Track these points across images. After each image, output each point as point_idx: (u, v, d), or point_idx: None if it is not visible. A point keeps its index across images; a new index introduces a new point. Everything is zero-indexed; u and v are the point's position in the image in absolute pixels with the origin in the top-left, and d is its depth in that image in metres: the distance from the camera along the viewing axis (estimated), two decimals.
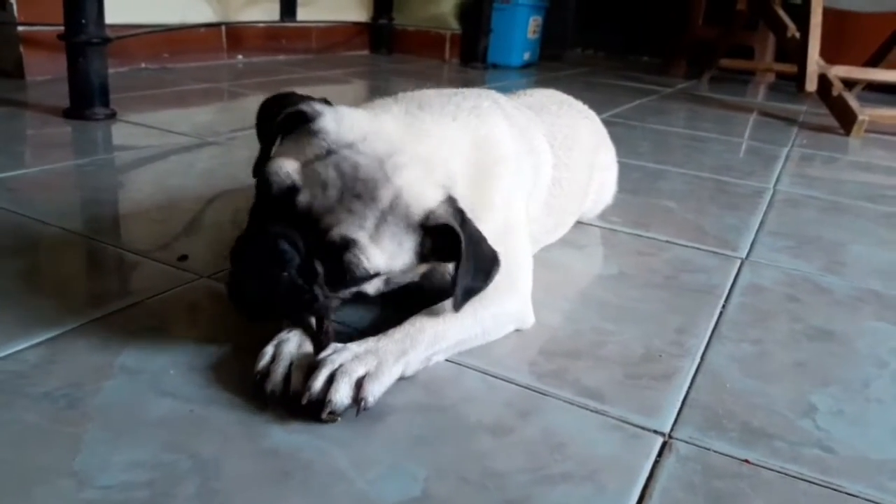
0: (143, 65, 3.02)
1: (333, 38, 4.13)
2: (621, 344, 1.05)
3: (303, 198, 0.84)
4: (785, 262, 1.45)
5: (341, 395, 0.81)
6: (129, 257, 1.21)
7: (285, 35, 3.75)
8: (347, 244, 0.83)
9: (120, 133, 2.05)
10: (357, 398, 0.82)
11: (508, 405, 0.88)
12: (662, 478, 0.77)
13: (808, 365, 1.05)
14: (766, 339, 1.12)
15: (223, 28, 3.37)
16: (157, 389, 0.84)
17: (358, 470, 0.73)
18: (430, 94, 1.12)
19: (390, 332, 0.91)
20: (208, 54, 3.33)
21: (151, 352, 0.91)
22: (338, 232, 0.83)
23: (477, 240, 0.91)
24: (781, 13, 3.65)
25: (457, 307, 0.91)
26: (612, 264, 1.37)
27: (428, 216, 0.87)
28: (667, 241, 1.52)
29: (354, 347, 0.87)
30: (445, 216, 0.88)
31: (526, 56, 4.45)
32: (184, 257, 1.20)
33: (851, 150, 2.77)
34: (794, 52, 3.44)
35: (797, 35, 3.46)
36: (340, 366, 0.84)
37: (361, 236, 0.84)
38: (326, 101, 0.95)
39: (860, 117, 2.97)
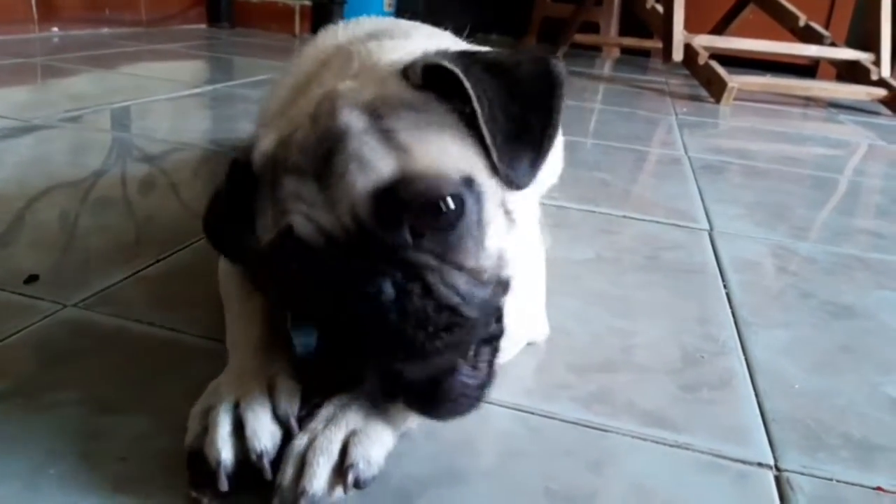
0: None
1: (166, 8, 3.60)
2: (651, 346, 0.84)
3: (301, 229, 0.53)
4: (751, 231, 1.31)
5: (320, 479, 0.53)
6: None
7: (109, 4, 3.20)
8: (387, 189, 0.52)
9: None
10: (342, 470, 0.54)
11: (569, 454, 0.63)
12: None
13: (854, 348, 0.89)
14: (792, 322, 0.95)
15: None
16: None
17: None
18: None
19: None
20: (14, 26, 2.74)
21: (7, 439, 0.57)
22: (356, 195, 0.52)
23: (495, 62, 0.60)
24: None
25: (511, 180, 0.57)
26: (584, 246, 1.16)
27: (406, 74, 0.59)
28: (624, 217, 1.33)
29: (322, 412, 0.58)
30: (423, 59, 0.59)
31: None
32: (33, 278, 0.83)
33: (729, 117, 2.77)
34: (656, 24, 3.44)
35: (657, 6, 3.47)
36: (312, 441, 0.55)
37: (380, 164, 0.53)
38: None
39: (730, 85, 2.99)
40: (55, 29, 2.94)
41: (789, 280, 1.10)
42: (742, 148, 2.19)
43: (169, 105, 1.99)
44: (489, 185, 0.57)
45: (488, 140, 0.56)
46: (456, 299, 0.53)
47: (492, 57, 0.61)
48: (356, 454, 0.54)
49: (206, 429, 0.55)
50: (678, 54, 3.25)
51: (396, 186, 0.52)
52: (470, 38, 1.00)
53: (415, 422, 0.62)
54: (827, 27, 3.86)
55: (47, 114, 1.69)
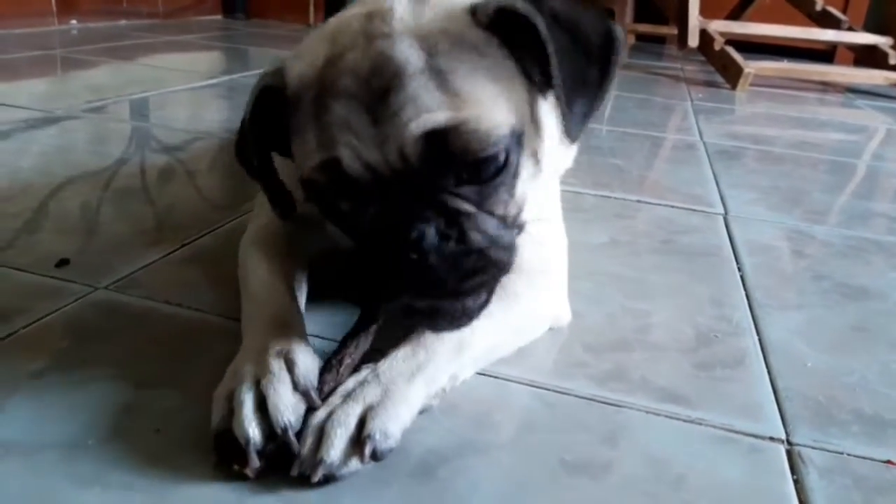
0: None
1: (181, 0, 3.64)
2: (666, 326, 0.85)
3: (349, 163, 0.56)
4: (766, 215, 1.32)
5: (337, 449, 0.55)
6: None
7: None
8: (438, 135, 0.54)
9: None
10: (359, 440, 0.55)
11: (584, 428, 0.65)
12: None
13: (867, 329, 0.90)
14: (806, 303, 0.96)
15: None
16: (72, 475, 0.53)
17: None
18: None
19: (393, 351, 0.63)
20: (33, 19, 2.78)
21: (46, 412, 0.59)
22: (408, 136, 0.54)
23: (562, 12, 0.61)
24: None
25: (571, 131, 0.60)
26: (599, 231, 1.17)
27: (475, 12, 0.60)
28: (638, 201, 1.34)
29: (341, 388, 0.60)
30: (496, 1, 0.60)
31: None
32: (64, 262, 0.86)
33: (745, 103, 2.76)
34: (672, 10, 3.43)
35: None
36: (330, 413, 0.57)
37: (435, 107, 0.55)
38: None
39: (746, 70, 2.97)
40: (74, 21, 2.98)
41: (804, 263, 1.11)
42: (758, 133, 2.19)
43: (186, 96, 2.02)
44: (527, 135, 0.60)
45: (557, 89, 0.57)
46: (485, 244, 0.57)
47: (557, 6, 0.62)
48: (373, 427, 0.56)
49: (232, 410, 0.56)
50: (694, 40, 3.24)
51: (448, 133, 0.54)
52: None
53: (434, 399, 0.64)
54: (844, 11, 3.82)
55: (69, 105, 1.72)
